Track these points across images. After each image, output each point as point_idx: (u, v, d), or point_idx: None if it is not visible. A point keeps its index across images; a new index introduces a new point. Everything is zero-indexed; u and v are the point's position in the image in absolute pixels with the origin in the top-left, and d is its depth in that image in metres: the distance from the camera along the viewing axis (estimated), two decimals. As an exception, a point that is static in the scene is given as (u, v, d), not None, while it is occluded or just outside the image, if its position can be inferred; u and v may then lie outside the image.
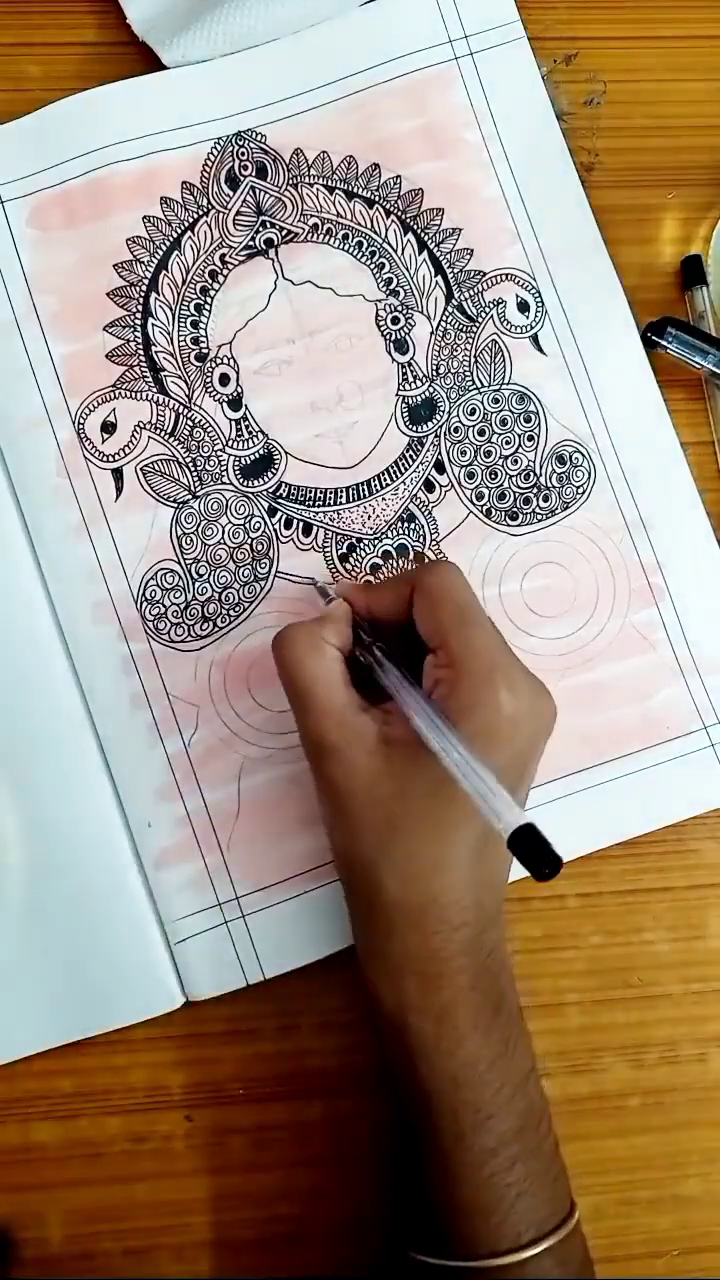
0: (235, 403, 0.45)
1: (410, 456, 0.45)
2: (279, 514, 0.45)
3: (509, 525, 0.45)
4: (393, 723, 0.37)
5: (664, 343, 0.45)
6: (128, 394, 0.45)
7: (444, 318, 0.46)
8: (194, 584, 0.44)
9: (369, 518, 0.45)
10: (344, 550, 0.45)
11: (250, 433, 0.45)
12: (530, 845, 0.30)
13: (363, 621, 0.40)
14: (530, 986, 0.44)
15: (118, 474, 0.44)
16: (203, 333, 0.45)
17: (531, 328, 0.46)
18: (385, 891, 0.36)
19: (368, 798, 0.36)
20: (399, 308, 0.46)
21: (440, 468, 0.45)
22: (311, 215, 0.46)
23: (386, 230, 0.46)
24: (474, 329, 0.46)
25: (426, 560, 0.44)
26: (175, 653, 0.44)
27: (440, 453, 0.45)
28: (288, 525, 0.45)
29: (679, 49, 0.48)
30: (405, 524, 0.45)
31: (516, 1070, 0.37)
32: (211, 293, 0.45)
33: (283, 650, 0.38)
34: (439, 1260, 0.37)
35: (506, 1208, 0.36)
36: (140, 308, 0.45)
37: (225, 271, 0.45)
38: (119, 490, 0.44)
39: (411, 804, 0.36)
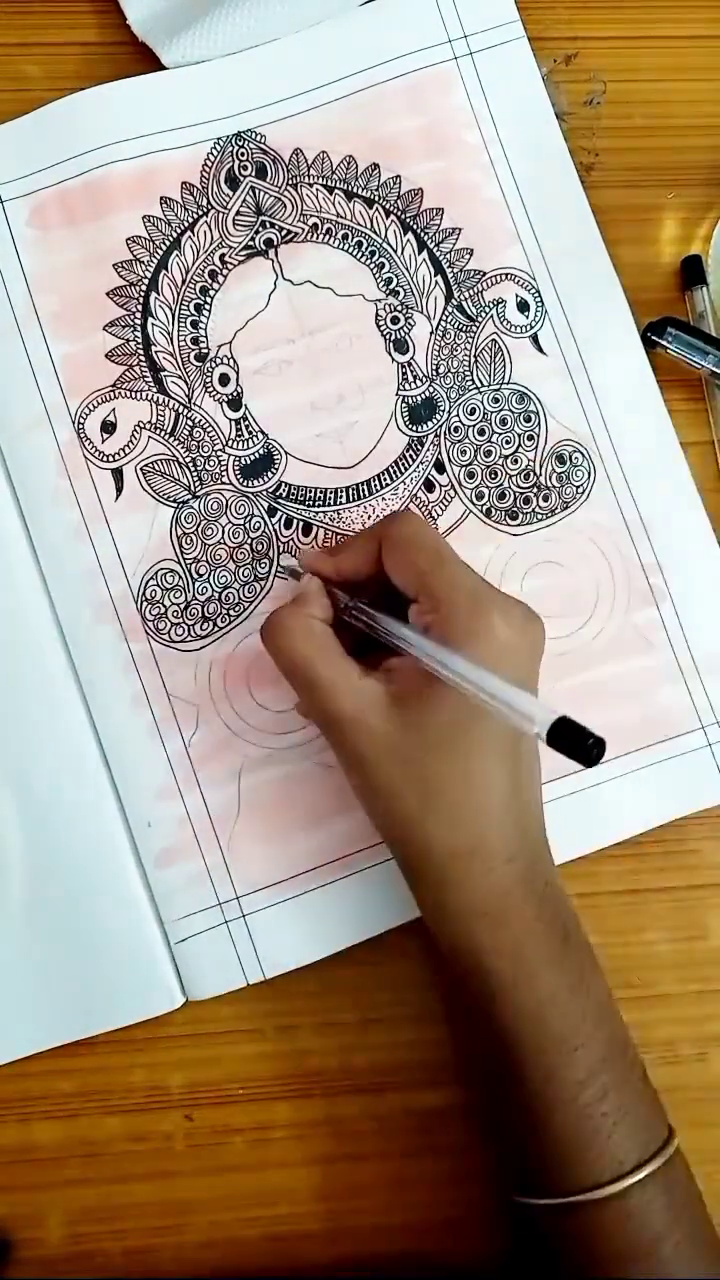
0: (235, 402, 0.45)
1: (410, 456, 0.45)
2: (279, 514, 0.45)
3: (509, 525, 0.45)
4: (395, 679, 0.37)
5: (664, 343, 0.45)
6: (127, 394, 0.45)
7: (444, 317, 0.46)
8: (194, 584, 0.44)
9: (369, 518, 0.45)
10: (344, 550, 0.45)
11: (250, 433, 0.45)
12: (569, 736, 0.30)
13: (335, 587, 0.40)
14: (530, 986, 0.44)
15: (118, 474, 0.44)
16: (202, 332, 0.45)
17: (531, 327, 0.46)
18: (435, 844, 0.36)
19: (395, 759, 0.36)
20: (399, 307, 0.46)
21: (440, 467, 0.45)
22: (311, 215, 0.46)
23: (386, 230, 0.46)
24: (474, 329, 0.46)
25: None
26: (175, 653, 0.44)
27: (440, 452, 0.45)
28: (287, 525, 0.45)
29: (679, 49, 0.48)
30: (405, 524, 0.45)
31: (595, 998, 0.37)
32: (211, 292, 0.45)
33: (274, 639, 0.38)
34: (542, 1200, 0.37)
35: (604, 1138, 0.36)
36: (140, 307, 0.45)
37: (225, 271, 0.45)
38: (119, 490, 0.44)
39: (436, 754, 0.36)
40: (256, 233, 0.46)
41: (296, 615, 0.38)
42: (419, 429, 0.45)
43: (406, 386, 0.45)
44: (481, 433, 0.45)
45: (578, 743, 0.30)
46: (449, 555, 0.38)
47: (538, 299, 0.46)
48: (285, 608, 0.39)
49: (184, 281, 0.45)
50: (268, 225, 0.46)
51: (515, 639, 0.36)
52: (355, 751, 0.37)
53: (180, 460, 0.45)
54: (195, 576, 0.44)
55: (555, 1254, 0.37)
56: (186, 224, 0.45)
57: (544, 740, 0.31)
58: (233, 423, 0.45)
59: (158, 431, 0.45)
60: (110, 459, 0.44)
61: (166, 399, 0.45)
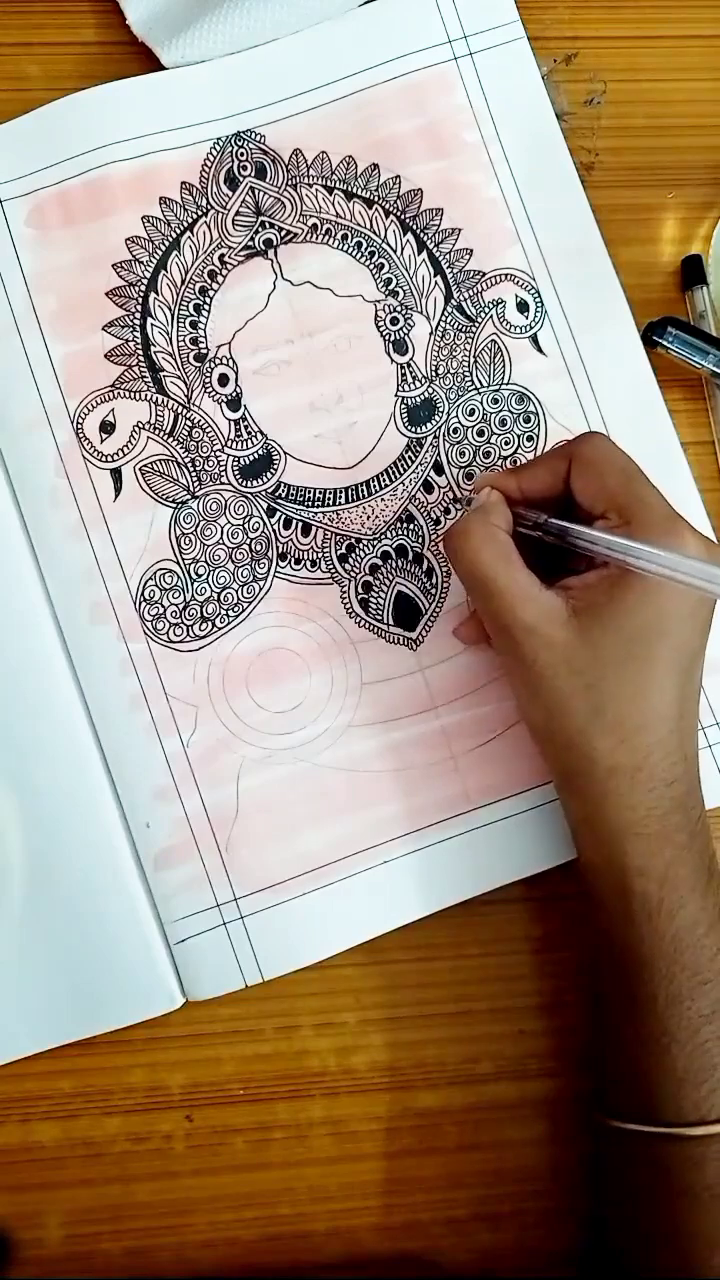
0: (234, 403, 0.45)
1: (409, 457, 0.45)
2: (278, 514, 0.45)
3: (508, 525, 0.45)
4: (575, 595, 0.37)
5: (664, 343, 0.45)
6: (126, 394, 0.45)
7: (443, 318, 0.46)
8: (193, 584, 0.44)
9: (368, 518, 0.45)
10: (343, 550, 0.45)
11: (249, 433, 0.45)
12: None
13: (519, 504, 0.40)
14: (530, 986, 0.44)
15: (116, 474, 0.44)
16: (202, 333, 0.45)
17: (531, 328, 0.46)
18: (599, 757, 0.36)
19: (569, 669, 0.36)
20: (398, 308, 0.46)
21: (439, 468, 0.45)
22: (311, 215, 0.46)
23: (386, 230, 0.46)
24: (473, 329, 0.46)
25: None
26: (174, 653, 0.44)
27: (439, 453, 0.45)
28: (286, 525, 0.45)
29: (679, 48, 0.48)
30: (404, 524, 0.45)
31: None
32: (210, 293, 0.45)
33: (457, 543, 0.38)
34: (646, 1126, 0.37)
35: (719, 1076, 0.36)
36: (139, 308, 0.45)
37: (224, 272, 0.45)
38: (118, 490, 0.44)
39: (611, 669, 0.36)
40: (256, 233, 0.46)
41: (481, 522, 0.38)
42: (418, 430, 0.45)
43: (406, 387, 0.45)
44: (481, 434, 0.45)
45: None
46: (640, 474, 0.38)
47: (537, 299, 0.46)
48: (468, 515, 0.39)
49: (183, 282, 0.45)
50: (267, 225, 0.46)
51: (704, 554, 0.36)
52: (530, 659, 0.37)
53: (179, 460, 0.45)
54: (194, 577, 0.44)
55: (645, 1184, 0.38)
56: (186, 224, 0.45)
57: None
58: (232, 423, 0.45)
59: (157, 432, 0.45)
60: (109, 459, 0.44)
61: (165, 399, 0.45)
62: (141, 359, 0.45)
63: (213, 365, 0.45)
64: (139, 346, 0.45)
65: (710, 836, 0.38)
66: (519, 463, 0.45)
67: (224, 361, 0.45)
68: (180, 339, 0.45)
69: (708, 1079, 0.36)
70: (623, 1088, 0.39)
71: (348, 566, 0.44)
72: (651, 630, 0.36)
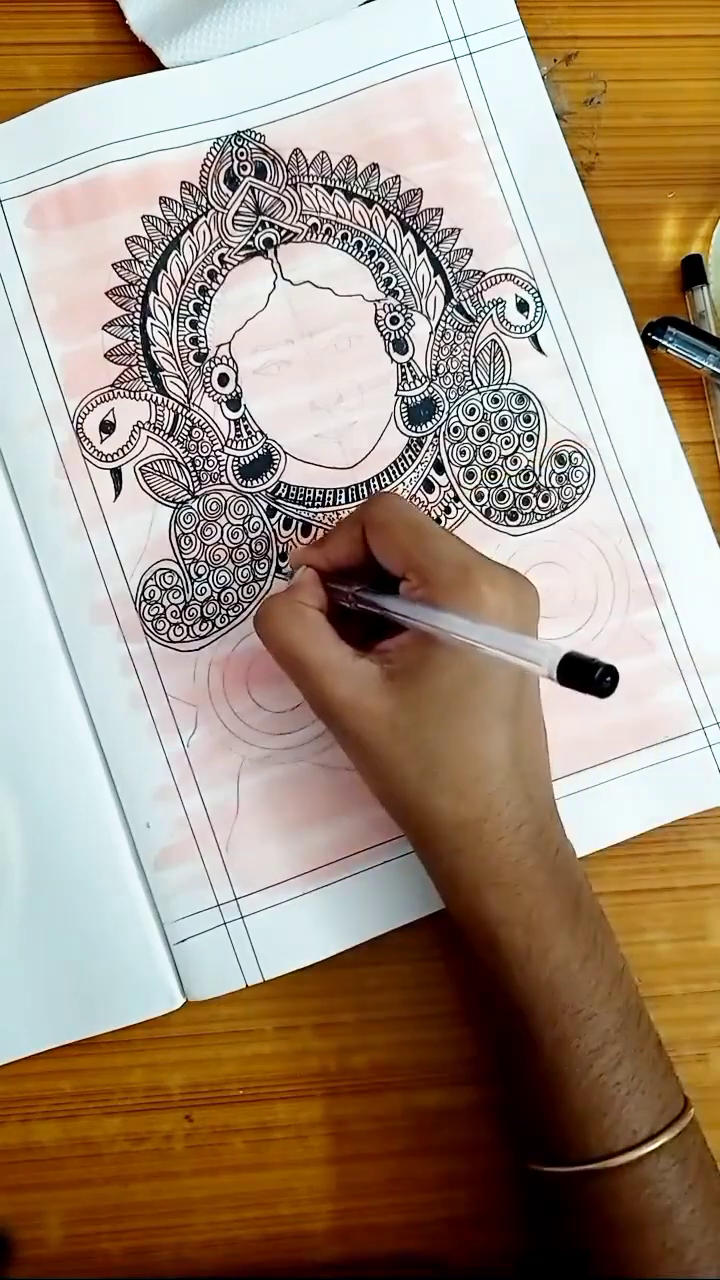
0: (234, 403, 0.45)
1: (409, 456, 0.45)
2: (278, 514, 0.45)
3: (508, 525, 0.45)
4: (390, 658, 0.37)
5: (664, 343, 0.45)
6: (126, 394, 0.45)
7: (443, 317, 0.46)
8: (193, 584, 0.44)
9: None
10: (343, 550, 0.44)
11: (249, 433, 0.45)
12: (579, 672, 0.30)
13: (331, 576, 0.40)
14: (530, 987, 0.44)
15: (116, 474, 0.44)
16: (202, 333, 0.45)
17: (531, 327, 0.46)
18: (442, 816, 0.36)
19: (394, 736, 0.36)
20: (398, 307, 0.46)
21: (440, 468, 0.45)
22: (310, 215, 0.46)
23: (386, 230, 0.46)
24: (473, 329, 0.46)
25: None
26: (174, 653, 0.44)
27: (439, 453, 0.45)
28: (286, 525, 0.45)
29: (679, 48, 0.48)
30: (404, 524, 0.45)
31: (609, 967, 0.38)
32: (210, 293, 0.45)
33: (265, 626, 0.38)
34: (557, 1168, 0.37)
35: (618, 1106, 0.36)
36: (139, 307, 0.45)
37: (224, 271, 0.45)
38: (118, 490, 0.44)
39: (434, 727, 0.36)
40: (256, 233, 0.46)
41: (285, 602, 0.38)
42: (418, 429, 0.45)
43: (406, 387, 0.45)
44: (481, 433, 0.45)
45: (588, 676, 0.30)
46: (430, 529, 0.38)
47: (537, 299, 0.46)
48: (275, 595, 0.39)
49: (183, 281, 0.45)
50: (267, 225, 0.46)
51: (505, 602, 0.36)
52: (354, 732, 0.37)
53: (179, 460, 0.45)
54: (194, 577, 0.44)
55: (570, 1222, 0.38)
56: (186, 224, 0.45)
57: (555, 679, 0.30)
58: (232, 423, 0.45)
59: (157, 431, 0.45)
60: (109, 459, 0.44)
61: (165, 399, 0.45)
62: (141, 358, 0.45)
63: (213, 365, 0.45)
64: (139, 346, 0.45)
65: (575, 868, 0.38)
66: (517, 461, 0.45)
67: (224, 361, 0.45)
68: (180, 338, 0.45)
69: (608, 1112, 0.36)
70: (532, 1130, 0.39)
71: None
72: (466, 682, 0.36)
